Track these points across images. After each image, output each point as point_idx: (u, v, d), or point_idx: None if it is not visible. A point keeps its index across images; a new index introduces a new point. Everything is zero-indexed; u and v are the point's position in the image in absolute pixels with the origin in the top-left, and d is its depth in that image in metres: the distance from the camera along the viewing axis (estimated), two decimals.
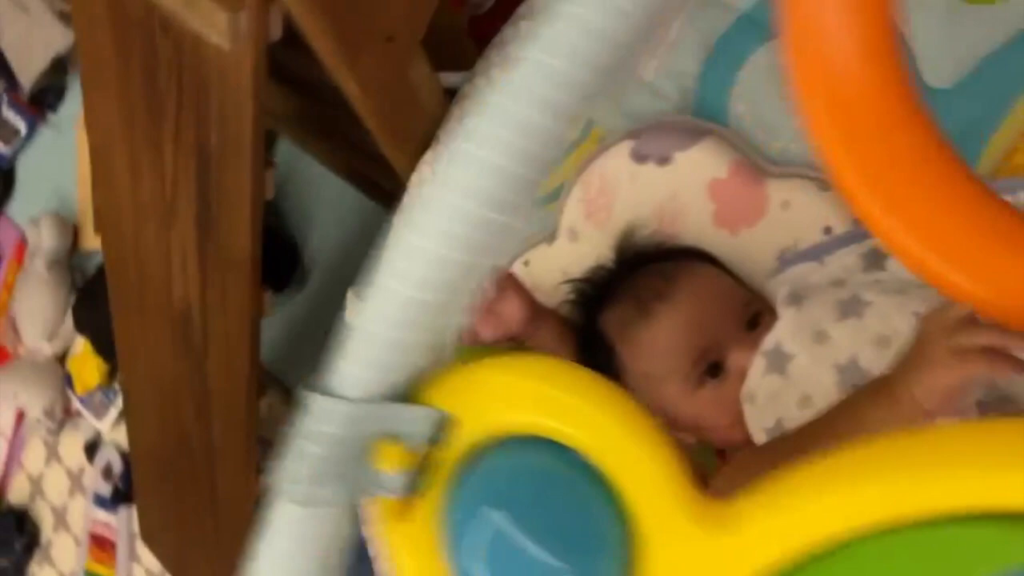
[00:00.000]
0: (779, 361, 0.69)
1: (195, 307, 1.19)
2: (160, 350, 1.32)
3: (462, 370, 0.34)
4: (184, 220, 1.11)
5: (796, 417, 0.67)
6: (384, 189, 1.40)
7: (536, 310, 0.80)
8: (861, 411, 0.53)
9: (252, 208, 1.00)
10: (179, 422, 1.38)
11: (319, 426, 0.32)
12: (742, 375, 0.71)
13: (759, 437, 0.69)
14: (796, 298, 0.71)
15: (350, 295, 1.07)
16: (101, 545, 1.84)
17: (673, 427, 0.77)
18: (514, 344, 0.83)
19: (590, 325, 0.80)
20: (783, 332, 0.70)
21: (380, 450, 0.32)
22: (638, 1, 0.30)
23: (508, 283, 0.80)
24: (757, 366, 0.70)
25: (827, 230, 0.77)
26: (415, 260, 0.32)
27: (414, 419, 0.33)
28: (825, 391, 0.67)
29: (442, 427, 0.33)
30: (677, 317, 0.73)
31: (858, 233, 0.75)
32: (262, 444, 1.51)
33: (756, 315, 0.74)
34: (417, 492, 0.34)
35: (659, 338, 0.73)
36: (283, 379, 1.62)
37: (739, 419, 0.72)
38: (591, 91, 0.31)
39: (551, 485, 0.32)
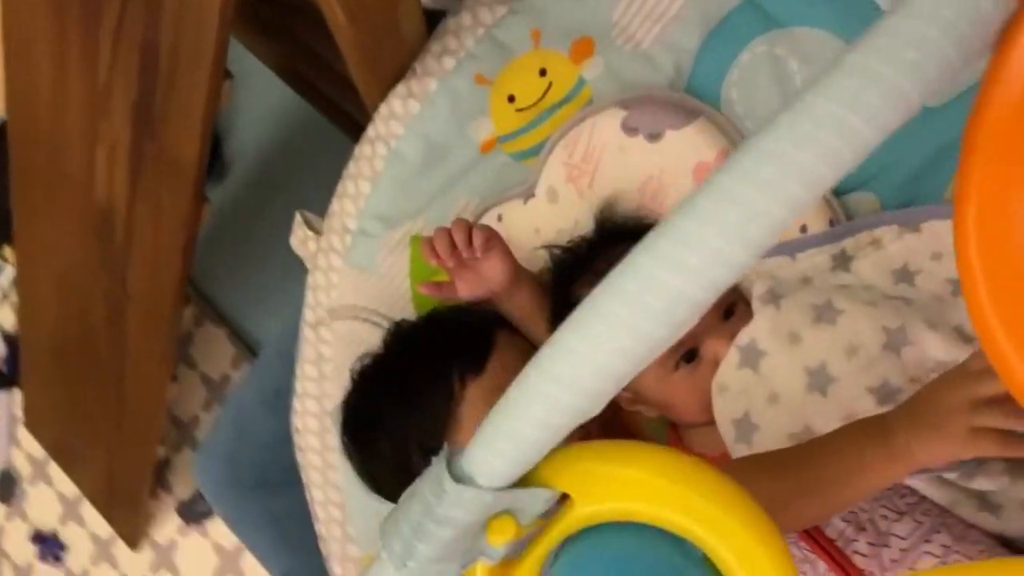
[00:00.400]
0: (752, 357, 0.73)
1: (120, 208, 1.11)
2: (71, 244, 1.24)
3: (583, 454, 0.34)
4: (118, 116, 1.02)
5: (763, 412, 0.72)
6: (321, 91, 1.33)
7: (518, 273, 0.80)
8: (855, 452, 0.55)
9: (204, 118, 0.93)
10: (86, 319, 1.31)
11: (453, 512, 0.32)
12: (715, 363, 0.75)
13: (725, 427, 0.73)
14: (774, 296, 0.74)
15: (298, 219, 1.03)
16: None
17: (641, 402, 0.81)
18: (488, 304, 0.83)
19: (566, 296, 0.81)
20: (759, 329, 0.73)
21: (494, 525, 0.33)
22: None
23: (494, 244, 0.80)
24: (731, 359, 0.73)
25: (803, 228, 0.80)
26: (581, 370, 0.31)
27: (535, 500, 0.33)
28: (793, 391, 0.71)
29: (557, 505, 0.34)
30: None
31: (831, 235, 0.79)
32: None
33: (731, 305, 0.77)
34: (515, 557, 0.34)
35: None
36: (192, 276, 1.55)
37: (708, 404, 0.76)
38: (799, 210, 0.31)
39: (660, 570, 0.33)
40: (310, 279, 1.01)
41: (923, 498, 0.74)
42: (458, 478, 0.33)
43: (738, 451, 0.72)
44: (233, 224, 1.52)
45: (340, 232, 0.97)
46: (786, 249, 0.79)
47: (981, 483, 0.73)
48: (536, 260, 0.85)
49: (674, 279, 0.31)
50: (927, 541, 0.72)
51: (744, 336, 0.73)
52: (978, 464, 0.73)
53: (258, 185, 1.51)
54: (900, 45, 0.29)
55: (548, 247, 0.84)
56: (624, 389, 0.82)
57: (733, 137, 0.81)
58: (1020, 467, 0.75)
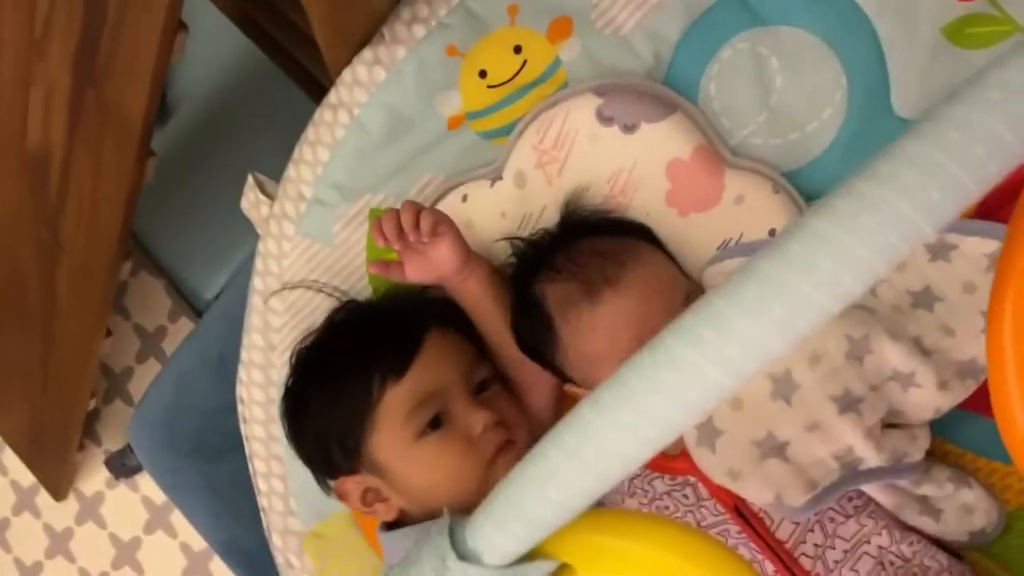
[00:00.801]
0: None
1: (56, 157, 1.04)
2: (0, 187, 1.16)
3: (589, 526, 0.33)
4: (56, 60, 0.95)
5: (727, 418, 0.71)
6: (278, 43, 1.27)
7: (468, 260, 0.78)
8: None
9: (153, 74, 0.87)
10: (14, 266, 1.24)
11: None
12: None
13: (689, 432, 0.73)
14: None
15: (250, 182, 0.98)
16: None
17: None
18: (439, 289, 0.81)
19: (526, 290, 0.79)
20: None
21: None
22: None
23: (445, 228, 0.77)
24: None
25: (772, 231, 0.79)
26: (607, 459, 0.29)
27: (536, 571, 0.32)
28: (757, 398, 0.71)
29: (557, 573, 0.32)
30: (622, 306, 0.74)
31: None
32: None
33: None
34: None
35: (602, 324, 0.74)
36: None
37: None
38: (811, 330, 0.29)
39: None
40: (261, 246, 0.96)
41: (870, 500, 0.76)
42: (463, 555, 0.31)
43: (700, 455, 0.72)
44: (174, 172, 1.45)
45: (295, 199, 0.93)
46: (752, 250, 0.79)
47: (927, 489, 0.76)
48: (498, 249, 0.83)
49: (712, 369, 0.29)
50: (867, 543, 0.74)
51: None
52: (926, 471, 0.76)
53: (203, 133, 1.44)
54: (1013, 99, 0.27)
55: (509, 238, 0.82)
56: (583, 386, 0.82)
57: (709, 135, 0.80)
58: (962, 477, 0.77)
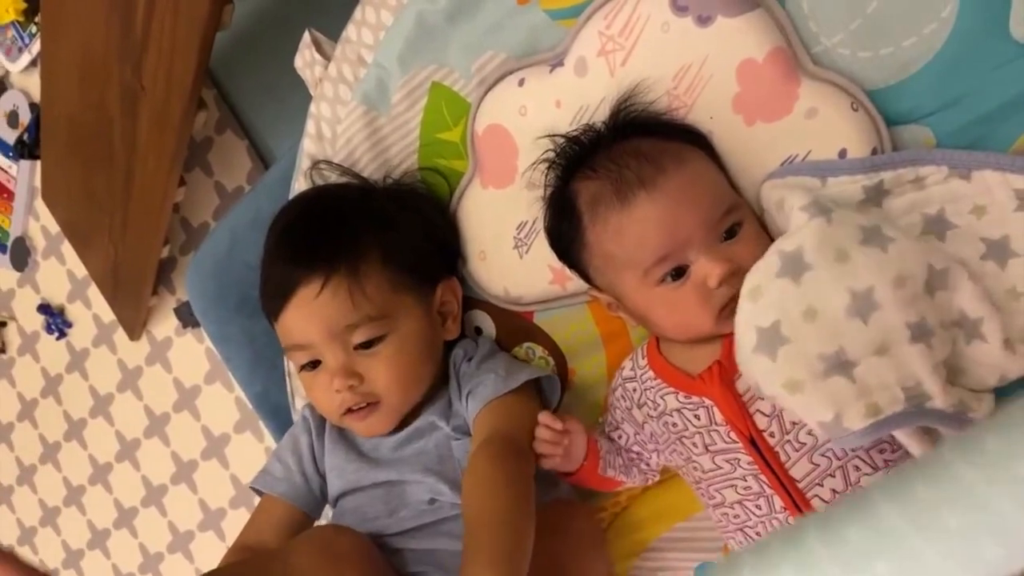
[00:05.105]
0: (796, 267, 0.66)
1: None
2: (92, 27, 1.18)
3: None
4: None
5: (797, 326, 0.65)
6: None
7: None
8: None
9: None
10: (102, 105, 1.27)
11: None
12: (703, 285, 0.70)
13: (745, 335, 0.67)
14: (823, 209, 0.67)
15: (306, 39, 0.95)
16: None
17: (623, 309, 0.76)
18: None
19: (565, 187, 0.75)
20: (808, 240, 0.66)
21: None
22: None
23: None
24: (770, 264, 0.67)
25: (842, 152, 0.72)
26: None
27: None
28: (833, 311, 0.65)
29: None
30: (653, 211, 0.69)
31: (868, 163, 0.71)
32: (192, 147, 1.43)
33: (735, 225, 0.71)
34: None
35: (630, 228, 0.70)
36: (221, 80, 1.50)
37: (685, 324, 0.71)
38: None
39: None
40: (313, 108, 0.95)
41: (905, 456, 0.70)
42: None
43: (756, 362, 0.66)
44: (268, 36, 1.44)
45: (354, 63, 0.91)
46: (818, 170, 0.72)
47: None
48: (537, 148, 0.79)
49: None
50: None
51: (790, 243, 0.66)
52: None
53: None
54: None
55: (551, 136, 0.78)
56: (606, 292, 0.78)
57: (790, 38, 0.72)
58: None
